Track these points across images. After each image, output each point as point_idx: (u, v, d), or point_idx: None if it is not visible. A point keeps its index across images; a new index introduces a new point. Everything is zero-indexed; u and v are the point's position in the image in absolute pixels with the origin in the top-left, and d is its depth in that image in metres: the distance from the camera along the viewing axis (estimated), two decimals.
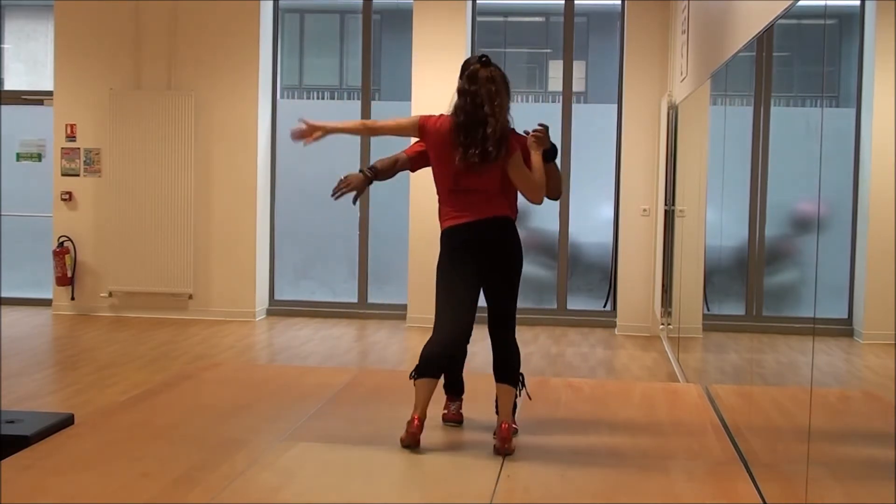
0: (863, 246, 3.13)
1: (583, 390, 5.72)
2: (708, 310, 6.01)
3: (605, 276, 9.19)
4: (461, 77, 4.23)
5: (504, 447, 4.18)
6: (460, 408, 4.64)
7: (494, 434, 4.23)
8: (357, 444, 4.36)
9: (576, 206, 9.10)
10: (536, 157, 4.29)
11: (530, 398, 4.53)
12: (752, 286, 4.72)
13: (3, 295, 8.69)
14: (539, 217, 9.36)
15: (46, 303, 9.35)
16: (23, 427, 4.34)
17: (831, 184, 3.33)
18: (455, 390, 4.64)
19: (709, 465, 4.20)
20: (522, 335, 8.43)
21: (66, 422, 4.57)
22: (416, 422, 4.21)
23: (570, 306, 9.12)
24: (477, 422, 4.60)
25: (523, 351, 7.35)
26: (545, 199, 4.38)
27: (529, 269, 9.55)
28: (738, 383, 4.98)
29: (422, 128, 4.28)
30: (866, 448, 3.05)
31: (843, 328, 3.26)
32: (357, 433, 4.51)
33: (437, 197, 4.38)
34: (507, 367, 4.29)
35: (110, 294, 9.12)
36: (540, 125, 4.37)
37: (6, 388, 5.79)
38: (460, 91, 4.20)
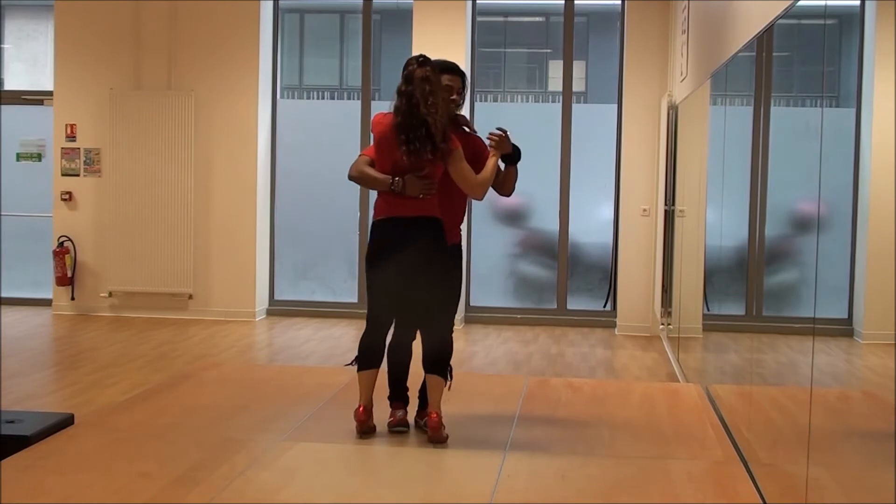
0: (863, 246, 3.13)
1: (583, 390, 5.72)
2: (708, 310, 6.01)
3: (605, 276, 9.19)
4: (401, 77, 4.37)
5: (435, 436, 4.33)
6: (405, 416, 4.61)
7: (423, 423, 4.45)
8: (357, 443, 4.37)
9: (576, 206, 9.10)
10: (492, 161, 4.43)
11: (449, 390, 4.48)
12: (752, 286, 4.72)
13: (3, 295, 8.69)
14: (539, 217, 9.36)
15: (46, 303, 9.35)
16: (23, 427, 4.34)
17: (831, 184, 3.33)
18: (400, 398, 4.63)
19: (709, 465, 4.21)
20: (523, 335, 8.53)
21: (66, 422, 4.57)
22: (360, 410, 4.39)
23: (570, 306, 9.11)
24: (477, 421, 4.60)
25: (524, 351, 7.34)
26: (498, 196, 4.68)
27: (530, 269, 9.62)
28: (738, 383, 4.98)
29: (372, 125, 4.49)
30: (866, 448, 3.04)
31: (843, 328, 3.26)
32: (357, 433, 4.51)
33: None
34: (435, 359, 4.39)
35: (110, 294, 9.12)
36: (498, 129, 4.46)
37: (6, 388, 5.79)
38: (398, 91, 4.35)
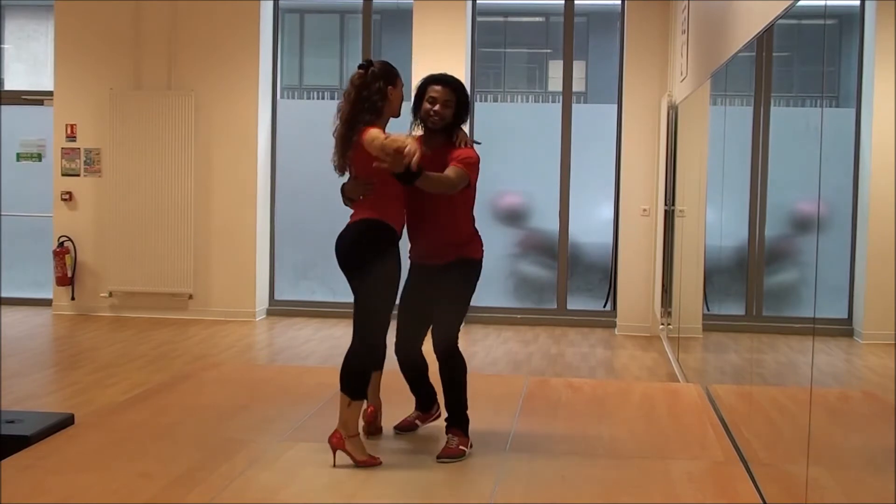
0: (863, 246, 3.13)
1: (583, 390, 5.72)
2: (708, 310, 6.01)
3: (605, 276, 9.19)
4: None
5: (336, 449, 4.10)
6: (414, 420, 4.63)
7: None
8: None
9: (576, 206, 9.10)
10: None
11: (349, 406, 4.33)
12: (752, 286, 4.72)
13: (3, 295, 8.69)
14: (539, 217, 9.36)
15: (46, 303, 9.35)
16: (23, 427, 4.34)
17: (831, 184, 3.33)
18: (420, 403, 4.63)
19: (709, 465, 4.21)
20: (523, 335, 8.52)
21: (66, 422, 4.57)
22: (369, 411, 4.43)
23: (570, 306, 9.11)
24: (477, 421, 4.60)
25: (524, 351, 7.30)
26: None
27: (530, 269, 9.61)
28: (738, 383, 4.98)
29: None
30: (866, 448, 3.05)
31: (843, 328, 3.26)
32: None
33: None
34: (343, 369, 4.24)
35: (110, 294, 9.12)
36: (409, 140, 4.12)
37: (6, 388, 5.79)
38: None
